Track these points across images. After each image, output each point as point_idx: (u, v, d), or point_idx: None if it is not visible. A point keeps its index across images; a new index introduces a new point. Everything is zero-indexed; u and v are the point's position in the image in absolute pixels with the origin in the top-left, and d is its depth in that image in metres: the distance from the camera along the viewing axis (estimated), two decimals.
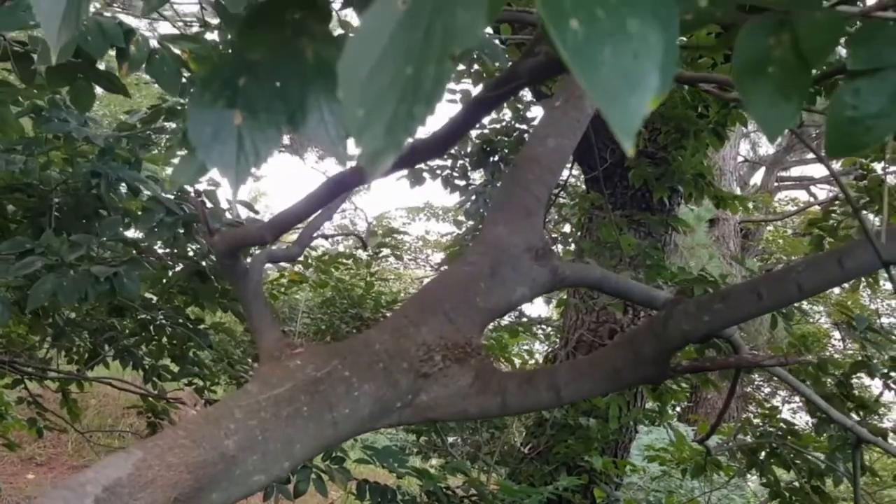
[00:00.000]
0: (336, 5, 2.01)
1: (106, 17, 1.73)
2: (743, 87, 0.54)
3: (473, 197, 3.98)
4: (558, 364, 1.74)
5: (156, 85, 1.87)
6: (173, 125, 2.61)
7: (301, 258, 3.70)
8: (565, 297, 4.27)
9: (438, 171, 4.10)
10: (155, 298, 3.06)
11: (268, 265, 2.18)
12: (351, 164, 1.15)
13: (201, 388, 3.41)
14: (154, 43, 1.79)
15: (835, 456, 2.61)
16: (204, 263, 2.67)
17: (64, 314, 3.00)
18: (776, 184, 11.73)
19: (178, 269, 2.79)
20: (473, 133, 3.80)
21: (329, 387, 1.10)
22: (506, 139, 3.80)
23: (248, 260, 1.52)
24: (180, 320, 3.00)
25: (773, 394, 9.99)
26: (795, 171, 12.25)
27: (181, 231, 2.42)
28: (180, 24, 4.36)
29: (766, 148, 11.90)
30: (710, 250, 8.02)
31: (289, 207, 1.28)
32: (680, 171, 3.59)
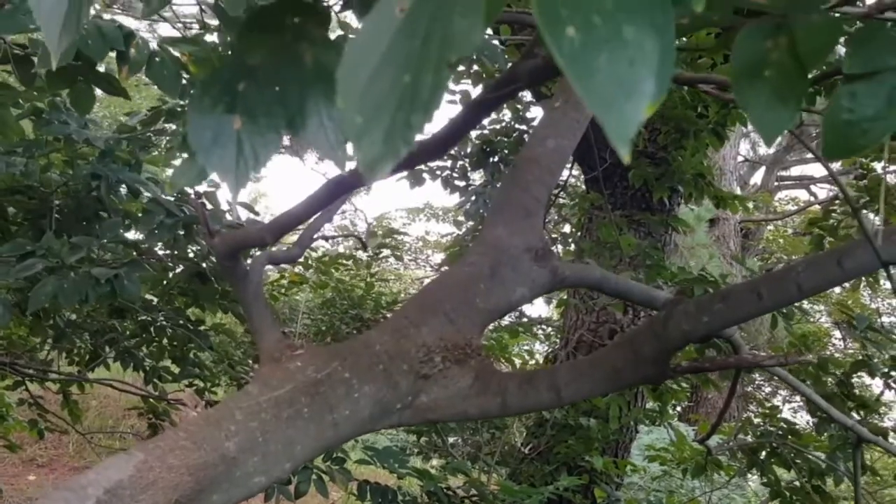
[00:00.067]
0: (335, 7, 2.01)
1: (106, 20, 1.73)
2: (740, 91, 0.54)
3: (473, 197, 3.99)
4: (558, 364, 1.74)
5: (156, 87, 1.88)
6: (173, 127, 2.61)
7: (301, 259, 3.70)
8: (565, 297, 4.27)
9: (438, 172, 4.11)
10: (155, 300, 3.07)
11: (268, 266, 2.18)
12: (350, 167, 1.15)
13: (202, 390, 3.41)
14: (154, 46, 1.80)
15: (835, 455, 2.61)
16: (204, 265, 2.67)
17: (65, 316, 3.01)
18: (776, 183, 11.73)
19: (178, 270, 2.79)
20: (473, 134, 3.80)
21: (329, 388, 1.10)
22: (505, 140, 3.80)
23: (249, 261, 1.53)
24: (181, 322, 3.00)
25: (774, 393, 9.99)
26: (795, 171, 12.26)
27: (181, 233, 2.42)
28: (179, 25, 4.37)
29: (766, 147, 11.89)
30: (710, 250, 8.02)
31: (289, 209, 1.29)
32: (680, 171, 3.60)
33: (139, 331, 3.11)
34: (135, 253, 2.40)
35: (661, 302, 1.41)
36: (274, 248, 1.75)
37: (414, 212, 12.33)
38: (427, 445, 4.43)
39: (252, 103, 0.56)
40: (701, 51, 2.53)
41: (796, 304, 2.89)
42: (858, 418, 2.54)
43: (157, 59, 1.78)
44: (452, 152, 3.94)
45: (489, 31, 2.72)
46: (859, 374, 2.68)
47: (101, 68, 1.87)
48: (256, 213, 2.98)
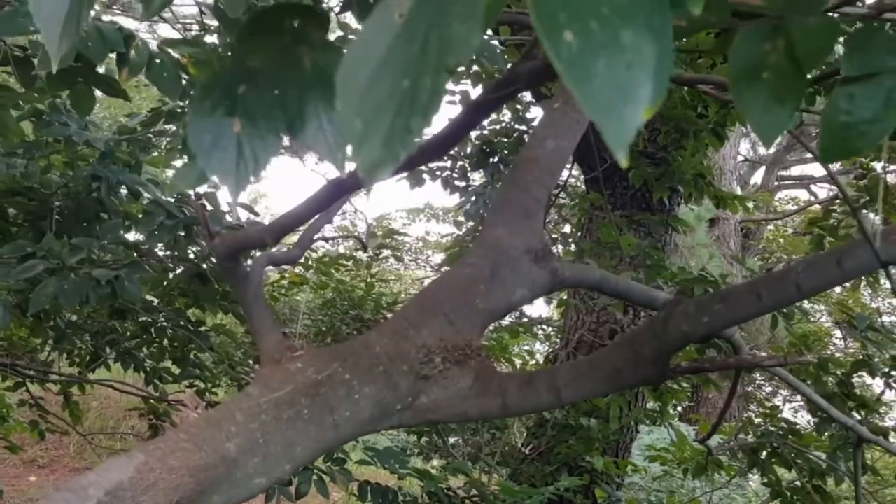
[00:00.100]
0: (335, 8, 2.01)
1: (106, 21, 1.73)
2: (738, 93, 0.54)
3: (473, 198, 3.99)
4: (558, 365, 1.74)
5: (156, 88, 1.88)
6: (173, 128, 2.61)
7: (301, 260, 3.70)
8: (566, 297, 4.28)
9: (438, 173, 4.11)
10: (156, 301, 3.07)
11: (268, 267, 2.19)
12: (350, 169, 1.15)
13: (202, 391, 3.42)
14: (154, 47, 1.80)
15: (836, 455, 2.62)
16: (205, 266, 2.67)
17: (65, 317, 3.01)
18: (776, 183, 11.73)
19: (178, 271, 2.80)
20: (473, 134, 3.81)
21: (329, 389, 1.10)
22: (505, 140, 3.80)
23: (249, 263, 1.53)
24: (181, 322, 3.00)
25: (775, 393, 9.99)
26: (796, 171, 12.26)
27: (182, 234, 2.43)
28: (179, 26, 4.37)
29: (766, 148, 11.88)
30: (710, 250, 8.02)
31: (289, 210, 1.29)
32: (680, 171, 3.60)
33: (140, 332, 3.12)
34: (135, 254, 2.41)
35: (661, 302, 1.42)
36: (274, 250, 1.75)
37: (414, 212, 12.34)
38: (428, 446, 4.43)
39: (252, 106, 0.57)
40: (700, 52, 2.53)
41: (796, 304, 2.89)
42: (859, 418, 2.54)
43: (157, 60, 1.79)
44: (452, 153, 3.94)
45: (489, 31, 2.72)
46: (860, 373, 2.68)
47: (102, 70, 1.88)
48: (256, 214, 2.98)
